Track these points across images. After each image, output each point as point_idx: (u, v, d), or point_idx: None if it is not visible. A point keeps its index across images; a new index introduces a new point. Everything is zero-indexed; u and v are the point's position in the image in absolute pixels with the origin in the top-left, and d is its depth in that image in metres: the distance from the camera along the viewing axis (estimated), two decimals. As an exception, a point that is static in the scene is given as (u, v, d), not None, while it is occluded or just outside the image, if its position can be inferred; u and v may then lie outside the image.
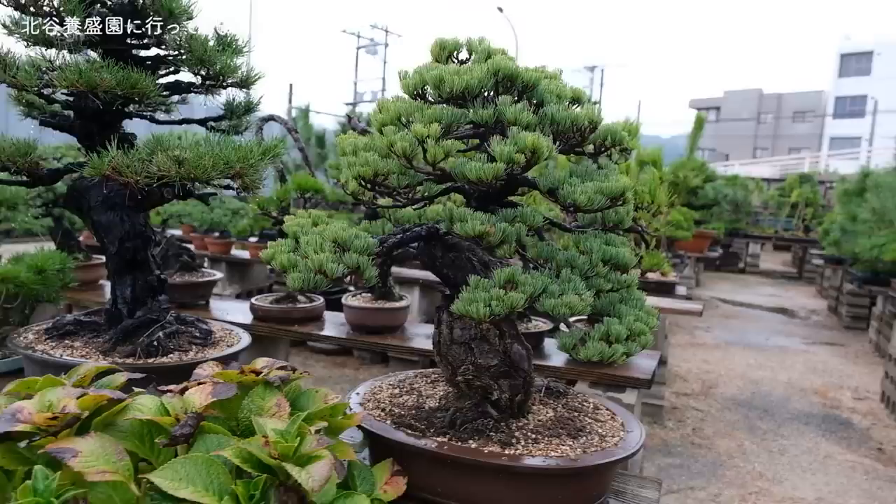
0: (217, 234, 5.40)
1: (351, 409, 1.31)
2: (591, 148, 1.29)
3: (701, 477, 3.14)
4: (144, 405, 1.00)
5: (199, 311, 2.91)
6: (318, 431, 1.04)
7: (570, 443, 1.20)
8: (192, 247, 5.37)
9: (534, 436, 1.21)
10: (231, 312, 2.98)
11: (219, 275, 3.15)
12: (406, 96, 1.22)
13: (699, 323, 6.53)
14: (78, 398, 0.97)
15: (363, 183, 1.22)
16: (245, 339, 1.82)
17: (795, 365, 5.48)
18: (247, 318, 2.87)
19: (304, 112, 8.85)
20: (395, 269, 4.05)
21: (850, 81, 38.75)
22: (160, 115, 1.91)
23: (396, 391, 1.42)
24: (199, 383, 1.07)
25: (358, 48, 31.46)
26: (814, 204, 12.69)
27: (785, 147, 40.16)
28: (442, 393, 1.39)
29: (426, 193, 1.22)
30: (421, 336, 2.71)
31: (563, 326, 2.19)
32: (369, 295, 2.77)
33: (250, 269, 5.37)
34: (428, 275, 4.69)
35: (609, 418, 1.36)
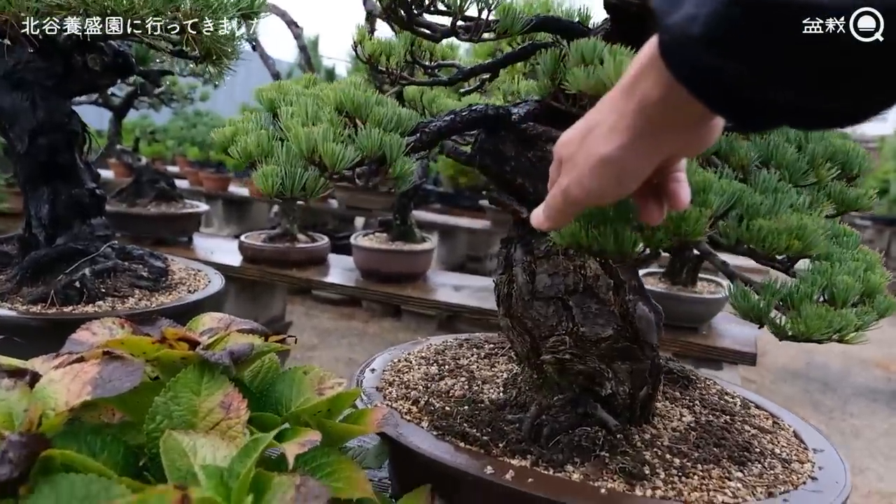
0: (213, 168, 4.87)
1: (365, 398, 0.81)
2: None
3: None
4: (-55, 405, 0.49)
5: (180, 250, 2.42)
6: (301, 460, 0.54)
7: (741, 476, 0.69)
8: (186, 183, 4.84)
9: (677, 460, 0.70)
10: (217, 252, 2.48)
11: (203, 207, 2.64)
12: None
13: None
14: None
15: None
16: (216, 283, 1.31)
17: (848, 333, 4.96)
18: (236, 259, 2.38)
19: (314, 43, 8.13)
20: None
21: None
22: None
23: (434, 369, 0.92)
24: (79, 359, 0.57)
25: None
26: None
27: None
28: (506, 375, 0.89)
29: (504, 26, 0.68)
30: (447, 287, 2.20)
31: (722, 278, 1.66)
32: (384, 235, 2.25)
33: (250, 209, 4.86)
34: (448, 219, 4.15)
35: (770, 424, 0.86)
